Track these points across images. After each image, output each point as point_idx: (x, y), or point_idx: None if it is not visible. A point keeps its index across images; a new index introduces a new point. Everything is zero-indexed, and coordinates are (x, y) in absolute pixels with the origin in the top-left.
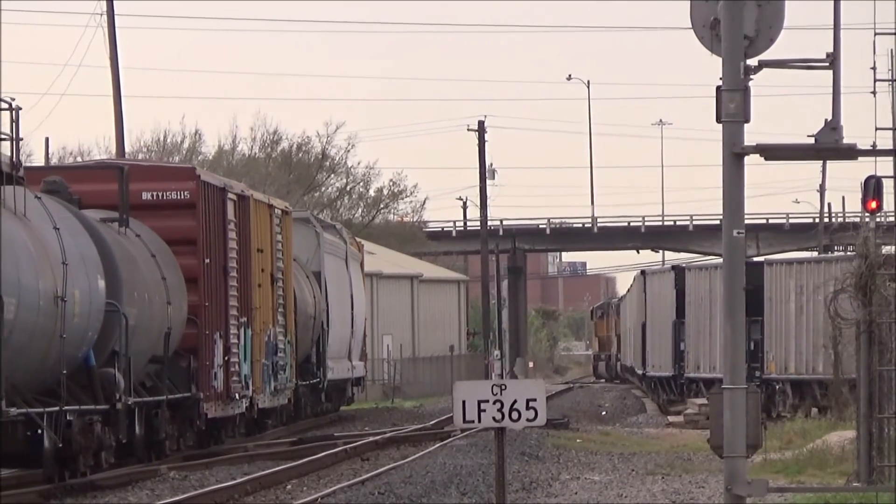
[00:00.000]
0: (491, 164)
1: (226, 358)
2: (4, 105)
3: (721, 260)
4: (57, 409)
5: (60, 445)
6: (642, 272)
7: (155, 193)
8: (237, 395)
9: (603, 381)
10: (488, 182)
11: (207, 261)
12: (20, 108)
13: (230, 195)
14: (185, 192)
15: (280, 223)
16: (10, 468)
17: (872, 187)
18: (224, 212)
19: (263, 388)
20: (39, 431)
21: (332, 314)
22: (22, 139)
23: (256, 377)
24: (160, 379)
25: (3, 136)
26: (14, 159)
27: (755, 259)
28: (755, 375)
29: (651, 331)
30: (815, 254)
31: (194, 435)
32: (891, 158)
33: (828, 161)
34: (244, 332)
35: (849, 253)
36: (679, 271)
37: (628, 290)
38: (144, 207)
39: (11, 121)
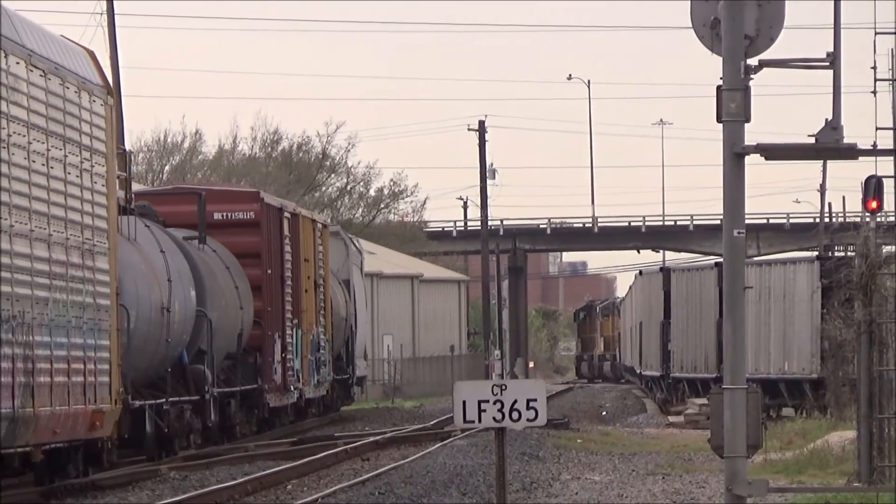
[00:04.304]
0: (491, 164)
1: (283, 355)
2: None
3: (655, 264)
4: (163, 399)
5: (167, 430)
6: (640, 272)
7: (225, 214)
8: (292, 387)
9: (585, 381)
10: (489, 182)
11: (269, 271)
12: (132, 153)
13: (286, 213)
14: (251, 213)
15: (321, 236)
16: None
17: (873, 187)
18: (281, 228)
19: (309, 381)
20: (145, 418)
21: (358, 318)
22: (133, 178)
23: (304, 371)
24: (233, 373)
25: (120, 176)
26: (127, 195)
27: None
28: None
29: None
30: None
31: (257, 421)
32: (891, 158)
33: (828, 161)
34: (296, 331)
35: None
36: (638, 275)
37: (628, 292)
38: (216, 226)
39: (126, 163)
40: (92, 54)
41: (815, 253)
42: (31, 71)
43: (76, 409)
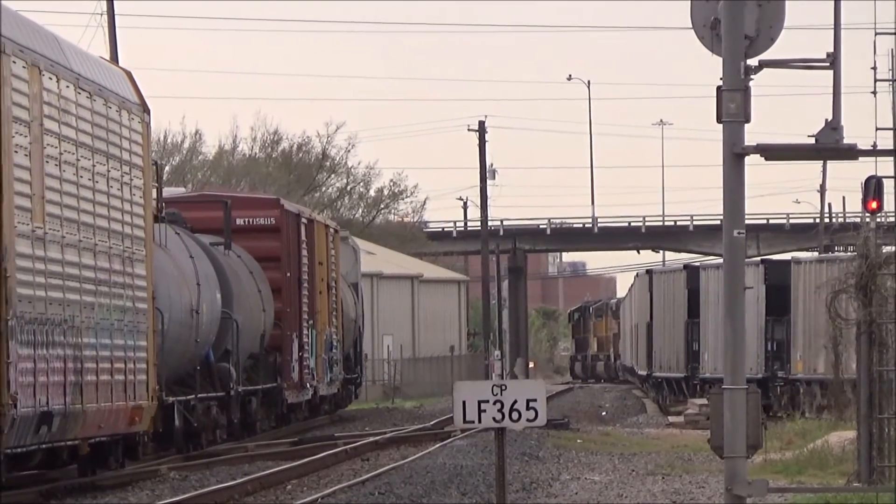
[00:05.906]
0: (491, 164)
1: (300, 354)
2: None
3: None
4: (192, 396)
5: (196, 425)
6: (637, 274)
7: (247, 219)
8: (307, 385)
9: (580, 381)
10: (488, 182)
11: (288, 274)
12: (163, 165)
13: (303, 219)
14: (272, 219)
15: (333, 240)
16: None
17: (873, 187)
18: (299, 233)
19: (323, 378)
20: (174, 413)
21: (365, 320)
22: (164, 188)
23: (319, 369)
24: (255, 372)
25: (154, 185)
26: (158, 204)
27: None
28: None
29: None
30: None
31: (276, 418)
32: (891, 158)
33: (828, 161)
34: (311, 332)
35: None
36: (636, 277)
37: (627, 293)
38: (238, 231)
39: (157, 174)
40: (130, 75)
41: (760, 257)
42: (79, 93)
43: (118, 406)
